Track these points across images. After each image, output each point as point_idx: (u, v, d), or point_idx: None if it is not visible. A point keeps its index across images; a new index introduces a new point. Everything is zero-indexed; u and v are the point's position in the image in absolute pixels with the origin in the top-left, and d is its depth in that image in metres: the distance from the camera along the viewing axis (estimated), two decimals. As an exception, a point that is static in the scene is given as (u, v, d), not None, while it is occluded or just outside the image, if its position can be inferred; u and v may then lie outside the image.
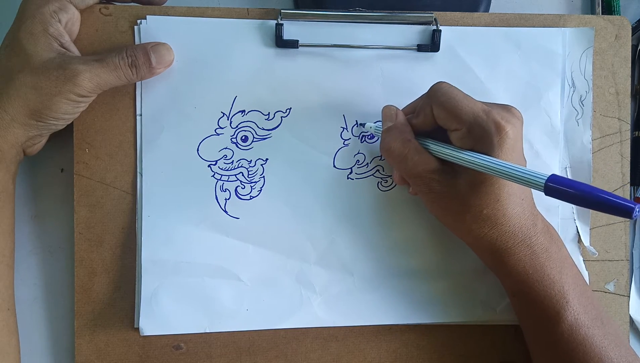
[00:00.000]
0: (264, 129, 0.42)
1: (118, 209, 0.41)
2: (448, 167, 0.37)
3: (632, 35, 0.45)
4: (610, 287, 0.45)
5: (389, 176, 0.43)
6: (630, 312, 0.45)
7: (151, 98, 0.41)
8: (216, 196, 0.41)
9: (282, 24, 0.41)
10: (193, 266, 0.41)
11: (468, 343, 0.44)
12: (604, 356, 0.35)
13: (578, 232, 0.44)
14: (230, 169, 0.42)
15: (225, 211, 0.41)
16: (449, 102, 0.36)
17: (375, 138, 0.43)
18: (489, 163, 0.33)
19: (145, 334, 0.40)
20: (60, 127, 0.39)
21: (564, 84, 0.44)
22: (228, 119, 0.42)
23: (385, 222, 0.42)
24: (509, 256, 0.36)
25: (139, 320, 0.40)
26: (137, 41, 0.41)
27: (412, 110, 0.40)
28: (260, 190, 0.42)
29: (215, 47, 0.41)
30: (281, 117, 0.42)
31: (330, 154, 0.42)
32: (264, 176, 0.42)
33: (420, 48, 0.42)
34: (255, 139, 0.42)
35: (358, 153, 0.42)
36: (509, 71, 0.43)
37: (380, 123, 0.40)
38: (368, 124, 0.41)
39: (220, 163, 0.42)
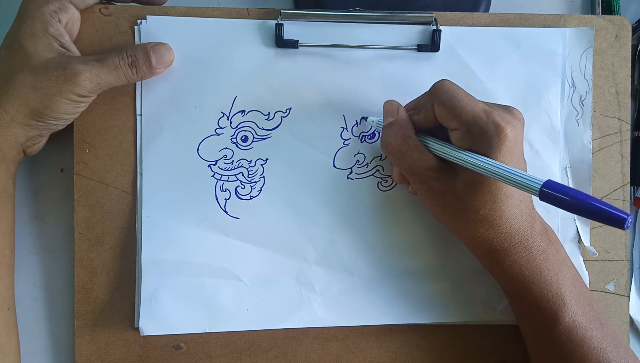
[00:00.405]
0: (264, 129, 0.42)
1: (118, 209, 0.41)
2: (447, 165, 0.37)
3: (632, 35, 0.45)
4: (610, 287, 0.45)
5: (389, 176, 0.43)
6: (630, 312, 0.45)
7: (151, 98, 0.41)
8: (216, 196, 0.41)
9: (282, 24, 0.41)
10: (193, 266, 0.41)
11: (468, 343, 0.44)
12: (603, 357, 0.35)
13: (578, 232, 0.44)
14: (230, 169, 0.42)
15: (225, 211, 0.42)
16: (450, 101, 0.36)
17: (376, 138, 0.43)
18: (485, 164, 0.33)
19: (145, 334, 0.40)
20: (60, 127, 0.39)
21: (564, 84, 0.44)
22: (228, 119, 0.42)
23: (385, 222, 0.42)
24: (505, 257, 0.36)
25: (139, 320, 0.40)
26: (137, 41, 0.41)
27: (415, 106, 0.39)
28: (260, 190, 0.42)
29: (215, 47, 0.41)
30: (281, 117, 0.42)
31: (330, 154, 0.42)
32: (264, 176, 0.42)
33: (420, 48, 0.42)
34: (255, 139, 0.42)
35: (358, 153, 0.42)
36: (509, 71, 0.43)
37: (381, 119, 0.40)
38: (370, 118, 0.41)
39: (220, 163, 0.42)
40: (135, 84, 0.41)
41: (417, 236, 0.42)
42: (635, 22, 0.47)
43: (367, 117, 0.42)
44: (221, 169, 0.42)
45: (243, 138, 0.42)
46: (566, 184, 0.44)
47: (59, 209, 0.43)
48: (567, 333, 0.36)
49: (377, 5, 0.43)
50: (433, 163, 0.37)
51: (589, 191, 0.44)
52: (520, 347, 0.43)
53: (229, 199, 0.42)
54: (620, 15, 0.48)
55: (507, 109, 0.36)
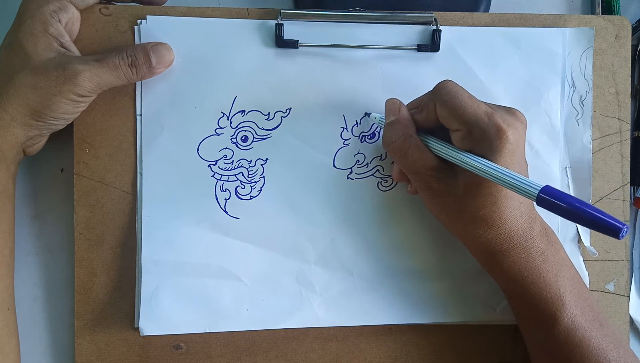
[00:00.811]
0: (264, 129, 0.42)
1: (118, 209, 0.41)
2: (448, 166, 0.37)
3: (632, 35, 0.45)
4: (610, 287, 0.45)
5: (389, 176, 0.43)
6: (630, 312, 0.45)
7: (151, 98, 0.41)
8: (216, 196, 0.41)
9: (282, 24, 0.41)
10: (193, 266, 0.41)
11: (468, 343, 0.44)
12: (602, 358, 0.35)
13: (578, 232, 0.44)
14: (230, 169, 0.42)
15: (225, 211, 0.41)
16: (452, 101, 0.35)
17: (376, 138, 0.43)
18: (484, 167, 0.33)
19: (145, 334, 0.40)
20: (60, 127, 0.39)
21: (564, 84, 0.44)
22: (228, 119, 0.42)
23: (385, 222, 0.42)
24: (504, 258, 0.36)
25: (139, 320, 0.40)
26: (137, 41, 0.41)
27: (417, 106, 0.39)
28: (260, 190, 0.42)
29: (215, 47, 0.41)
30: (281, 117, 0.42)
31: (330, 154, 0.42)
32: (264, 176, 0.42)
33: (420, 48, 0.42)
34: (255, 139, 0.42)
35: (358, 153, 0.42)
36: (509, 71, 0.43)
37: (384, 116, 0.40)
38: (373, 115, 0.41)
39: (220, 163, 0.42)
40: (135, 84, 0.41)
41: (417, 236, 0.42)
42: (635, 22, 0.47)
43: (370, 113, 0.42)
44: (221, 169, 0.42)
45: (243, 138, 0.42)
46: (566, 184, 0.44)
47: (59, 209, 0.43)
48: (566, 333, 0.36)
49: (377, 5, 0.43)
50: (433, 163, 0.37)
51: (589, 191, 0.44)
52: (520, 347, 0.43)
53: (229, 199, 0.42)
54: (620, 15, 0.48)
55: (509, 111, 0.36)
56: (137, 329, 0.40)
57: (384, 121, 0.40)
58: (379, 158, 0.43)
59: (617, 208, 0.44)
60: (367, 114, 0.42)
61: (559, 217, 0.44)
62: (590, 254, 0.44)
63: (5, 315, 0.39)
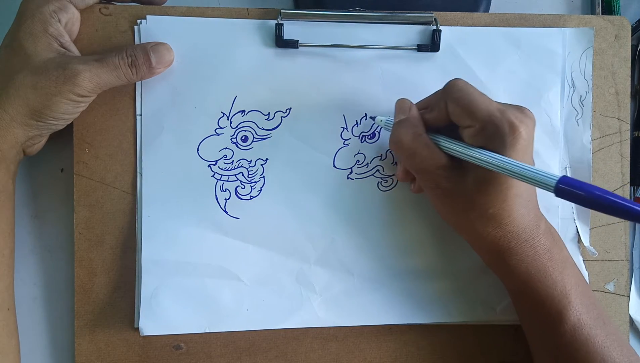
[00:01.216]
0: (264, 129, 0.42)
1: (118, 209, 0.41)
2: (456, 164, 0.37)
3: (632, 35, 0.45)
4: (610, 287, 0.45)
5: (389, 176, 0.43)
6: (630, 312, 0.45)
7: (151, 98, 0.41)
8: (216, 196, 0.41)
9: (282, 24, 0.41)
10: (193, 266, 0.41)
11: (468, 343, 0.44)
12: (607, 356, 0.35)
13: (578, 232, 0.44)
14: (230, 169, 0.42)
15: (225, 211, 0.41)
16: (465, 98, 0.36)
17: (376, 138, 0.43)
18: (500, 162, 0.33)
19: (145, 334, 0.40)
20: (60, 127, 0.39)
21: (564, 84, 0.44)
22: (228, 119, 0.42)
23: (385, 222, 0.42)
24: (511, 256, 0.36)
25: (139, 320, 0.40)
26: (137, 41, 0.41)
27: (426, 105, 0.39)
28: (260, 190, 0.42)
29: (215, 47, 0.41)
30: (281, 117, 0.42)
31: (330, 154, 0.42)
32: (264, 176, 0.42)
33: (420, 48, 0.42)
34: (255, 139, 0.42)
35: (358, 153, 0.42)
36: (509, 71, 0.43)
37: (390, 118, 0.40)
38: (379, 118, 0.41)
39: (220, 163, 0.42)
40: (135, 84, 0.41)
41: (416, 236, 0.42)
42: (635, 22, 0.47)
43: (375, 116, 0.42)
44: (221, 169, 0.42)
45: (243, 137, 0.42)
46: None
47: (59, 209, 0.43)
48: (572, 331, 0.36)
49: (377, 5, 0.43)
50: (443, 161, 0.37)
51: (589, 191, 0.44)
52: (520, 346, 0.43)
53: (229, 199, 0.42)
54: (620, 15, 0.48)
55: (519, 108, 0.36)
56: (137, 329, 0.40)
57: (390, 122, 0.40)
58: (379, 158, 0.43)
59: (617, 208, 0.44)
60: (372, 118, 0.42)
61: (559, 217, 0.44)
62: (590, 254, 0.44)
63: (5, 315, 0.39)
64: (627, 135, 0.45)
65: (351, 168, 0.42)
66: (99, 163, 0.41)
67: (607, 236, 0.45)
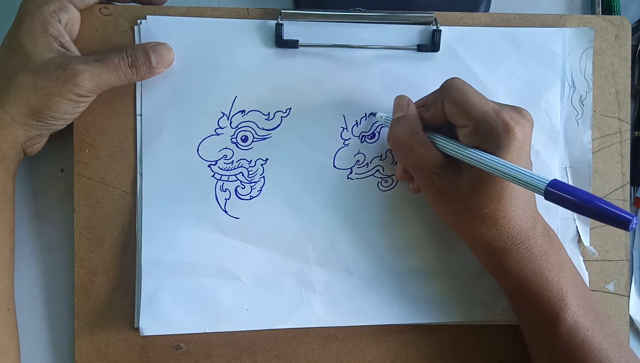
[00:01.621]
0: (264, 129, 0.42)
1: (118, 209, 0.41)
2: (452, 163, 0.37)
3: (632, 35, 0.45)
4: (610, 287, 0.45)
5: (389, 176, 0.43)
6: (630, 312, 0.45)
7: (151, 98, 0.41)
8: (216, 196, 0.41)
9: (282, 24, 0.41)
10: (193, 266, 0.41)
11: (468, 343, 0.44)
12: (604, 358, 0.35)
13: (578, 232, 0.44)
14: (230, 169, 0.42)
15: (225, 211, 0.42)
16: (460, 97, 0.36)
17: (376, 138, 0.43)
18: (491, 162, 0.33)
19: (145, 334, 0.40)
20: (60, 127, 0.39)
21: (564, 84, 0.44)
22: (228, 119, 0.42)
23: (385, 222, 0.42)
24: (507, 257, 0.36)
25: (139, 320, 0.40)
26: (137, 41, 0.41)
27: (424, 104, 0.39)
28: (260, 190, 0.42)
29: (215, 47, 0.41)
30: (281, 117, 0.42)
31: (330, 154, 0.42)
32: (264, 176, 0.42)
33: (420, 48, 0.42)
34: (255, 139, 0.42)
35: (358, 153, 0.42)
36: (509, 71, 0.43)
37: (390, 115, 0.40)
38: (379, 114, 0.41)
39: (220, 163, 0.42)
40: (135, 84, 0.41)
41: (416, 236, 0.43)
42: (635, 22, 0.47)
43: (376, 113, 0.42)
44: (221, 169, 0.42)
45: (243, 138, 0.42)
46: (566, 184, 0.44)
47: (59, 209, 0.43)
48: (569, 334, 0.36)
49: (377, 5, 0.43)
50: (439, 160, 0.37)
51: (588, 191, 0.44)
52: (520, 347, 0.43)
53: (229, 199, 0.42)
54: (620, 15, 0.48)
55: (516, 109, 0.36)
56: (137, 329, 0.40)
57: (389, 119, 0.40)
58: (379, 158, 0.43)
59: (617, 208, 0.44)
60: (372, 114, 0.42)
61: (559, 217, 0.44)
62: (590, 254, 0.44)
63: (5, 315, 0.39)
64: (627, 135, 0.45)
65: (351, 168, 0.42)
66: (99, 163, 0.41)
67: (607, 236, 0.45)
